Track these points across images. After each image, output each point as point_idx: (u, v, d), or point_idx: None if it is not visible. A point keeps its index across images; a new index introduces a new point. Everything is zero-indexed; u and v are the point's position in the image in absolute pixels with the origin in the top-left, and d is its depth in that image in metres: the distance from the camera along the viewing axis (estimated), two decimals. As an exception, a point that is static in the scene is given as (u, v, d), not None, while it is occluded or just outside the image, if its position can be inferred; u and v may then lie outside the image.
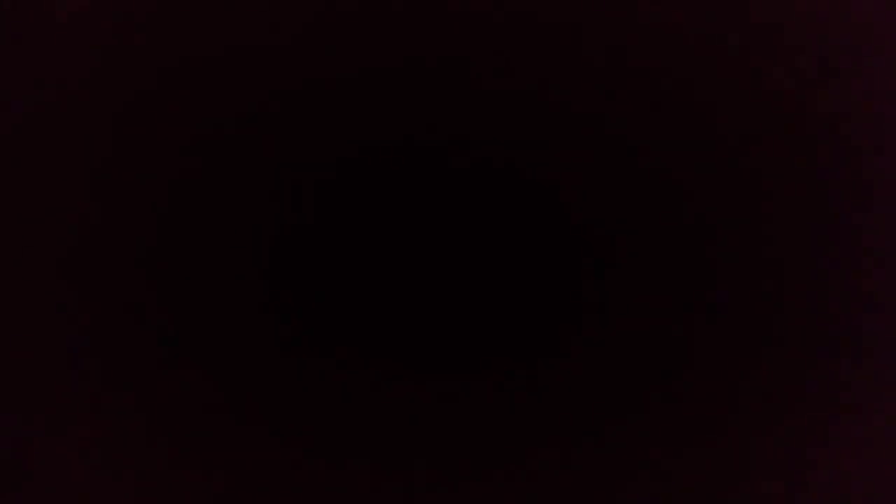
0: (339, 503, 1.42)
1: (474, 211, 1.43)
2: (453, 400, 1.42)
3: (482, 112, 1.44)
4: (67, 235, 1.43)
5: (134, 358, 1.42)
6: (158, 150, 1.43)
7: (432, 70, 1.44)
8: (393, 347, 1.42)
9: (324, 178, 1.44)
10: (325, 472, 1.42)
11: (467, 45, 1.44)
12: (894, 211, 1.43)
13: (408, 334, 1.43)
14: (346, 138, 1.44)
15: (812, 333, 1.42)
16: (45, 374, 1.42)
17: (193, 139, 1.44)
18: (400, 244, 1.43)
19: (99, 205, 1.43)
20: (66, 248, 1.43)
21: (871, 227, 1.43)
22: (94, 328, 1.42)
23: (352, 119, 1.44)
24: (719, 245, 1.43)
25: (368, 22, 1.44)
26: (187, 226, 1.43)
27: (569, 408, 1.42)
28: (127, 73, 1.44)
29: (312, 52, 1.44)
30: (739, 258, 1.43)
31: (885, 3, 1.44)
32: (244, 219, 1.43)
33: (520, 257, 1.43)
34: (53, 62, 1.44)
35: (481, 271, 1.43)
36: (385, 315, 1.43)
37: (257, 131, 1.44)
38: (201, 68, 1.44)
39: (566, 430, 1.42)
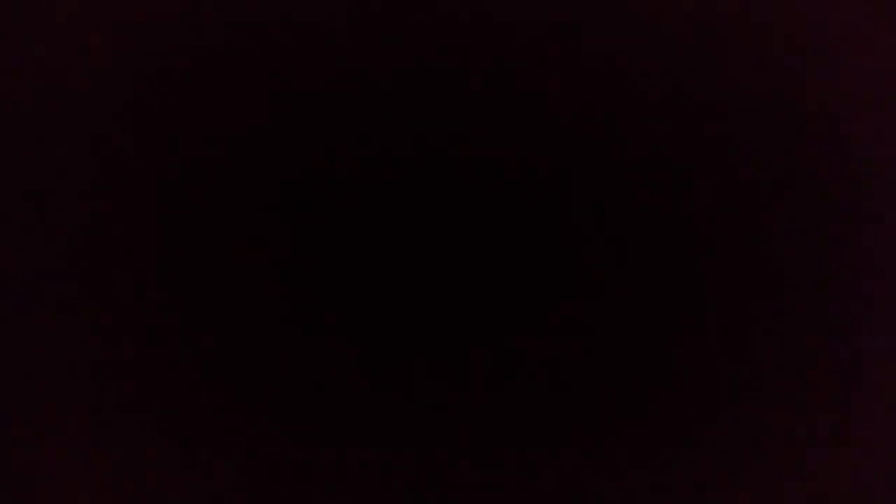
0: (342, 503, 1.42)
1: (475, 212, 1.43)
2: (454, 400, 1.42)
3: (483, 113, 1.44)
4: (69, 235, 1.43)
5: (134, 356, 1.42)
6: (162, 149, 1.43)
7: (431, 71, 1.44)
8: (393, 346, 1.42)
9: (324, 178, 1.44)
10: (329, 472, 1.42)
11: (468, 45, 1.44)
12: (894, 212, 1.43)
13: (406, 334, 1.43)
14: (348, 139, 1.44)
15: (814, 334, 1.43)
16: (45, 374, 1.42)
17: (196, 139, 1.43)
18: (400, 244, 1.43)
19: (102, 202, 1.43)
20: (68, 249, 1.43)
21: (874, 227, 1.43)
22: (95, 327, 1.42)
23: (352, 119, 1.44)
24: (721, 245, 1.43)
25: (368, 21, 1.44)
26: (189, 225, 1.43)
27: (570, 406, 1.42)
28: (127, 71, 1.44)
29: (312, 51, 1.44)
30: (741, 258, 1.43)
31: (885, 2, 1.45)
32: (246, 219, 1.43)
33: (519, 258, 1.43)
34: (53, 61, 1.44)
35: (482, 271, 1.43)
36: (385, 313, 1.43)
37: (260, 131, 1.44)
38: (203, 68, 1.44)
39: (568, 431, 1.42)
